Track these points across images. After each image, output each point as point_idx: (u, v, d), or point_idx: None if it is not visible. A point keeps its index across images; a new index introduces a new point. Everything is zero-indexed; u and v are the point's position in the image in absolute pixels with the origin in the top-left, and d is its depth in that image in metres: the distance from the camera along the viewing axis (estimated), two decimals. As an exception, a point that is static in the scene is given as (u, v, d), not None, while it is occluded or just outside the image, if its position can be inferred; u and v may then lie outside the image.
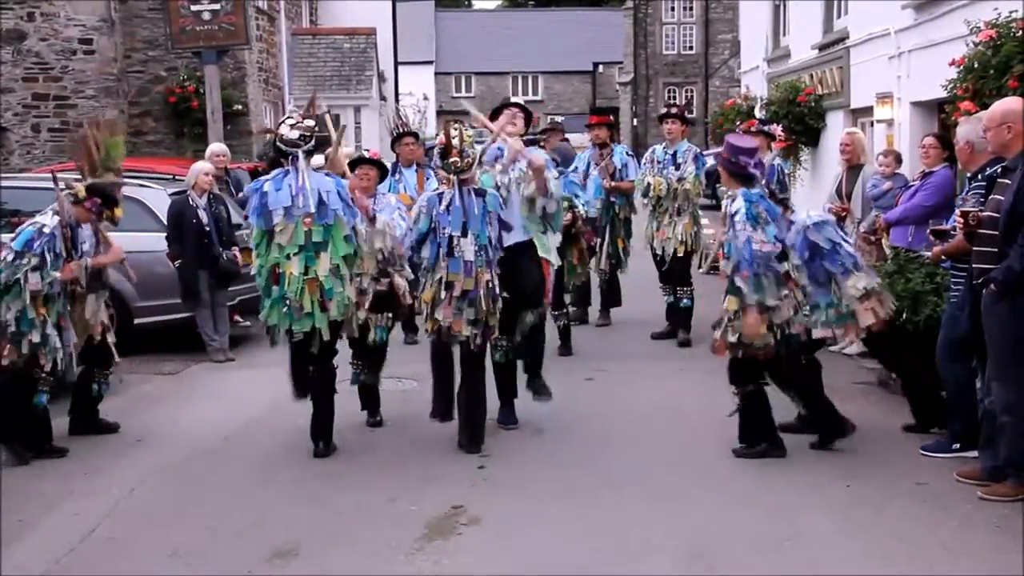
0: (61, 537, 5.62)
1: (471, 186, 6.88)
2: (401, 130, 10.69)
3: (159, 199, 10.37)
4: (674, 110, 11.07)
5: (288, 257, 6.64)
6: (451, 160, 6.79)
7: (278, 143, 6.77)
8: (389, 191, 10.43)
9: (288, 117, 6.96)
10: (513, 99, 8.45)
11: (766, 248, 6.36)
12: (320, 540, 5.52)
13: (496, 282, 6.91)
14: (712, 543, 5.44)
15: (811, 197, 13.31)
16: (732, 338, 6.52)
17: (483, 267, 6.80)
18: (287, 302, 6.65)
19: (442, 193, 6.89)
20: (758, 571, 5.12)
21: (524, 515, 5.84)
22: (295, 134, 6.70)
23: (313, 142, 6.72)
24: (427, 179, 10.61)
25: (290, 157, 6.71)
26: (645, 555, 5.31)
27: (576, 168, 10.94)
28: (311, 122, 6.76)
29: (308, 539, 5.52)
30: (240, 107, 19.07)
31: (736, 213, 6.42)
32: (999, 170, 6.11)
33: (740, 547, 5.38)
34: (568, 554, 5.35)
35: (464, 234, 6.75)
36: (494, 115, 7.57)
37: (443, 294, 6.78)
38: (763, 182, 6.73)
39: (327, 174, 6.84)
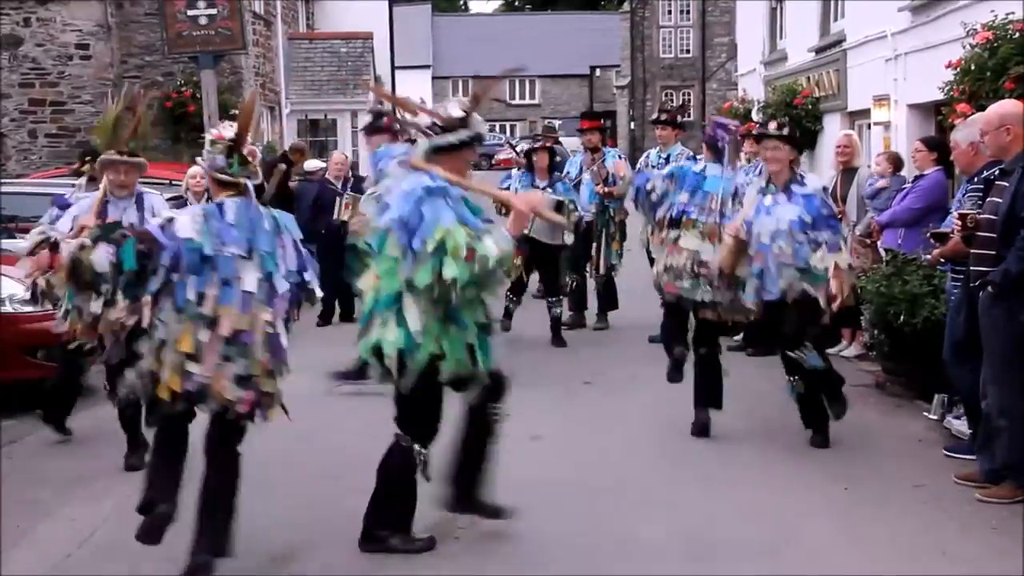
0: (59, 543, 5.61)
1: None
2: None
3: (157, 204, 10.35)
4: (664, 116, 11.11)
5: None
6: (246, 152, 4.98)
7: None
8: None
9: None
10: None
11: (654, 182, 7.40)
12: (318, 544, 5.51)
13: (283, 330, 4.99)
14: (710, 546, 5.44)
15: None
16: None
17: (262, 304, 4.89)
18: None
19: (222, 203, 4.94)
20: (756, 572, 5.12)
21: (522, 518, 5.82)
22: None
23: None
24: None
25: None
26: (643, 559, 5.31)
27: (569, 172, 10.99)
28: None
29: (306, 544, 5.51)
30: (237, 112, 19.07)
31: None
32: (996, 172, 6.11)
33: (738, 550, 5.37)
34: (566, 558, 5.34)
35: (249, 255, 4.89)
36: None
37: (204, 336, 4.79)
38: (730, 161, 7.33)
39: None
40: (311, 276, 5.19)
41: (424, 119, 5.22)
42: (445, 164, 5.08)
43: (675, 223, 7.27)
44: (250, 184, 4.99)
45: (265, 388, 4.95)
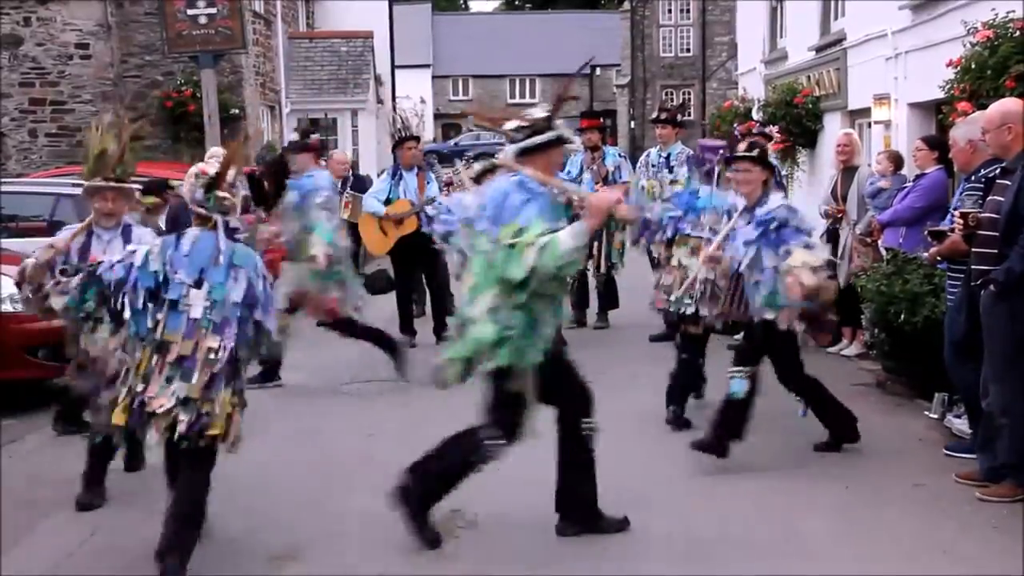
0: (60, 542, 5.61)
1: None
2: (404, 134, 10.77)
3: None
4: (664, 115, 11.11)
5: None
6: (220, 194, 5.22)
7: None
8: (389, 195, 10.56)
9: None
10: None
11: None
12: (319, 544, 5.51)
13: (231, 359, 5.09)
14: (710, 545, 5.43)
15: (808, 199, 13.31)
16: None
17: (208, 330, 5.05)
18: None
19: (182, 233, 5.29)
20: (757, 572, 5.12)
21: (522, 518, 5.83)
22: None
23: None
24: (428, 183, 10.68)
25: None
26: (644, 556, 5.31)
27: (569, 171, 11.01)
28: (538, 113, 5.43)
29: (307, 543, 5.51)
30: (237, 111, 19.05)
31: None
32: (997, 171, 6.10)
33: (739, 548, 5.37)
34: (567, 556, 5.34)
35: (198, 285, 5.10)
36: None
37: (154, 360, 5.04)
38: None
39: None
40: (265, 315, 5.24)
41: (510, 123, 5.45)
42: (534, 164, 5.30)
43: (670, 243, 7.77)
44: (220, 220, 5.22)
45: (204, 409, 5.00)
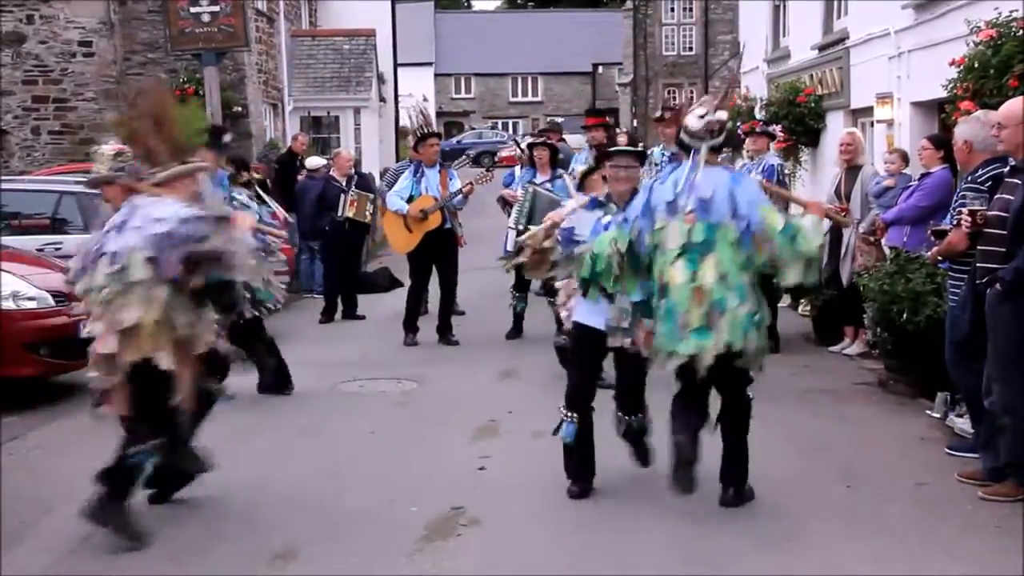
0: (61, 539, 5.60)
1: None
2: (426, 130, 10.81)
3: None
4: (667, 113, 11.09)
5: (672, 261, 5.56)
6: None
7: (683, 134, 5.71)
8: (411, 191, 10.59)
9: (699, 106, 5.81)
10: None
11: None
12: (320, 542, 5.51)
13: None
14: (712, 544, 5.43)
15: (810, 197, 13.28)
16: None
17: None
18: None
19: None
20: (758, 572, 5.11)
21: (524, 516, 5.83)
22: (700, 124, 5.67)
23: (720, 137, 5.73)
24: (451, 179, 10.72)
25: (691, 151, 5.66)
26: (644, 556, 5.30)
27: (573, 170, 11.01)
28: (723, 115, 5.74)
29: (308, 541, 5.51)
30: (240, 109, 19.05)
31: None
32: (1004, 170, 6.07)
33: (740, 548, 5.36)
34: (567, 555, 5.34)
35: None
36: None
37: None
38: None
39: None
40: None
41: (698, 124, 5.69)
42: (714, 160, 5.73)
43: None
44: None
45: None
